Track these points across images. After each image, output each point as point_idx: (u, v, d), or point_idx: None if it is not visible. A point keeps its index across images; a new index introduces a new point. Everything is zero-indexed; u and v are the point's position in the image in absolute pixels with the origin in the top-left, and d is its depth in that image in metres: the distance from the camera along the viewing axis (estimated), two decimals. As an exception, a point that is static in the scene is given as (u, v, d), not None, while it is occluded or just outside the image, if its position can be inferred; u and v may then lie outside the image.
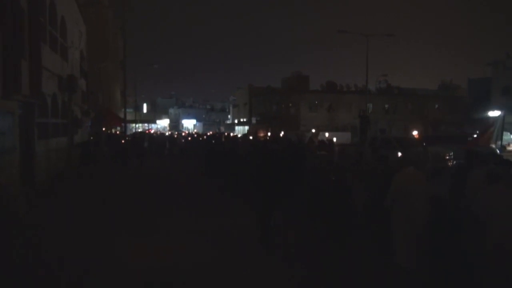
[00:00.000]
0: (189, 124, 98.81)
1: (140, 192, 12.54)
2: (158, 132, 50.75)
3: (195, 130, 56.35)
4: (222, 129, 76.64)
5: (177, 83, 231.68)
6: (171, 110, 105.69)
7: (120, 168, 18.88)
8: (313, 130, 34.17)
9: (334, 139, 18.71)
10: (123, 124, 30.44)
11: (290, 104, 53.05)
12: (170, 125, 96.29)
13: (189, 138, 34.24)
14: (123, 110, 33.88)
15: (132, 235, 7.62)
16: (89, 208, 10.02)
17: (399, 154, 12.53)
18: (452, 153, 17.60)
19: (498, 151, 21.72)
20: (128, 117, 37.61)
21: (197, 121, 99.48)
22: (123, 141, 24.11)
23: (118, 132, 37.07)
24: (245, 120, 66.27)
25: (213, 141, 21.12)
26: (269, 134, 36.68)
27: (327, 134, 30.21)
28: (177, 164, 21.70)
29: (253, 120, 61.11)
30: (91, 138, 23.48)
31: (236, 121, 72.24)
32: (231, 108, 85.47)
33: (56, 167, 15.93)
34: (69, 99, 18.24)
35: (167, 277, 5.68)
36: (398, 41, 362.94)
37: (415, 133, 24.82)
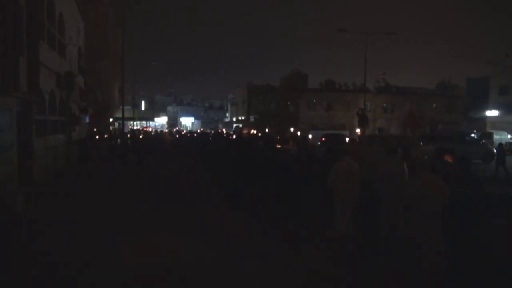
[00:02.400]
0: (187, 122, 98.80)
1: (137, 187, 12.59)
2: (153, 131, 50.33)
3: (184, 130, 56.46)
4: (221, 126, 76.68)
5: (176, 82, 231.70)
6: (170, 108, 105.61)
7: (118, 165, 18.87)
8: (292, 129, 37.14)
9: (310, 136, 21.43)
10: (120, 122, 30.44)
11: (289, 103, 53.05)
12: (168, 123, 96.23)
13: (177, 136, 34.52)
14: (121, 107, 33.84)
15: (129, 229, 7.65)
16: (87, 205, 10.03)
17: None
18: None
19: (494, 150, 21.89)
20: (126, 115, 37.62)
21: (195, 119, 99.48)
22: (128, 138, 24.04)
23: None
24: (243, 118, 66.29)
25: (204, 139, 21.86)
26: (253, 131, 41.36)
27: (325, 132, 31.75)
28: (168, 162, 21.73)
29: (252, 118, 61.12)
30: (91, 135, 23.42)
31: (234, 119, 72.24)
32: (229, 106, 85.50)
33: (54, 164, 15.94)
34: (67, 96, 18.23)
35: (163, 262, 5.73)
36: (397, 40, 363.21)
37: (358, 131, 27.08)
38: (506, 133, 32.48)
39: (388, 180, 6.84)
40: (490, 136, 30.22)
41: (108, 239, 7.23)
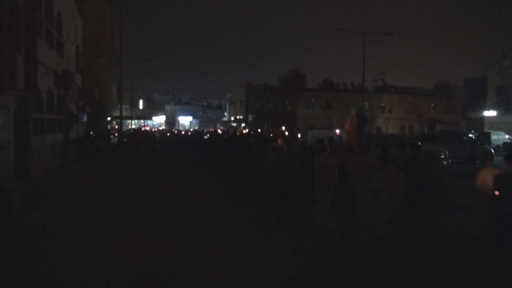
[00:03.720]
0: (185, 120, 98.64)
1: (133, 183, 12.59)
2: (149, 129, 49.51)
3: (174, 129, 56.57)
4: (219, 125, 76.65)
5: (174, 80, 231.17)
6: (168, 107, 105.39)
7: (116, 164, 18.83)
8: (283, 128, 39.13)
9: (299, 135, 22.77)
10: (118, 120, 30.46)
11: (287, 102, 53.04)
12: (166, 121, 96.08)
13: (168, 134, 34.42)
14: (119, 106, 33.77)
15: (126, 226, 7.65)
16: (85, 204, 10.00)
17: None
18: (447, 152, 17.67)
19: (492, 151, 21.91)
20: (124, 114, 37.51)
21: (193, 118, 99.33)
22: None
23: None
24: (241, 117, 66.26)
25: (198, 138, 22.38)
26: (246, 130, 44.10)
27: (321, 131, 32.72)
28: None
29: (250, 118, 61.09)
30: (91, 133, 23.31)
31: (232, 118, 72.21)
32: (227, 105, 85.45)
33: (51, 162, 15.88)
34: (64, 95, 18.17)
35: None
36: (396, 40, 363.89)
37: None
38: (503, 133, 32.53)
39: (360, 173, 7.90)
40: (488, 136, 30.27)
41: (102, 235, 7.21)
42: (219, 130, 39.30)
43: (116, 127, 45.97)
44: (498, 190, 5.64)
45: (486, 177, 6.16)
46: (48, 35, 15.20)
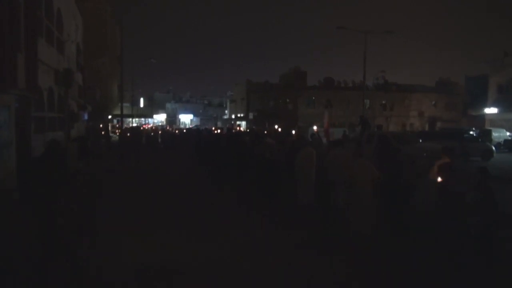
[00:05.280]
0: (186, 119, 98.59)
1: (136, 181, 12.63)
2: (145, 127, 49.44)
3: (168, 127, 56.78)
4: (219, 124, 76.58)
5: (174, 79, 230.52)
6: (168, 105, 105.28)
7: (117, 162, 18.86)
8: (276, 126, 41.39)
9: (293, 132, 25.40)
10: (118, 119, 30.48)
11: (288, 100, 52.96)
12: (167, 120, 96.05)
13: (159, 132, 34.56)
14: (119, 104, 33.80)
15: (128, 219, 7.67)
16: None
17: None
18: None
19: (493, 148, 21.91)
20: (125, 112, 37.56)
21: (194, 116, 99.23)
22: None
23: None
24: (242, 115, 66.20)
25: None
26: (242, 128, 47.03)
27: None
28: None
29: (250, 116, 61.03)
30: (102, 132, 23.24)
31: (233, 116, 72.15)
32: (228, 103, 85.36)
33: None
34: (65, 93, 18.18)
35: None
36: (397, 38, 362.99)
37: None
38: (504, 130, 32.48)
39: (335, 164, 8.96)
40: (489, 133, 30.22)
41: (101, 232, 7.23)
42: (215, 128, 40.34)
43: (117, 125, 46.12)
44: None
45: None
46: (48, 33, 15.21)
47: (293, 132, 25.81)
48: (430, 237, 7.06)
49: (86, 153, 18.38)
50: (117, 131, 28.03)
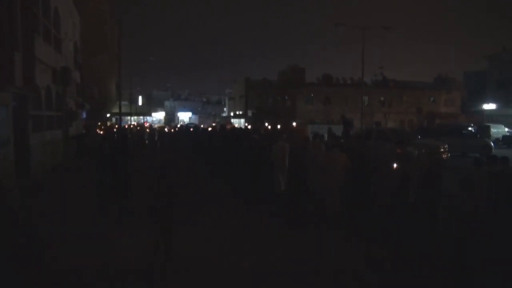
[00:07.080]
0: (184, 116, 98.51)
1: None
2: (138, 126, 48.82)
3: (158, 124, 56.70)
4: (218, 121, 76.55)
5: (173, 76, 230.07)
6: (167, 103, 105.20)
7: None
8: (266, 123, 42.78)
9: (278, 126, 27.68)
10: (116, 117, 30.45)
11: (286, 97, 52.92)
12: (165, 118, 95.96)
13: (148, 131, 34.56)
14: (118, 103, 33.73)
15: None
16: (84, 201, 10.00)
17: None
18: (446, 145, 17.69)
19: (492, 144, 21.93)
20: (123, 110, 37.46)
21: (192, 113, 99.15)
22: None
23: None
24: (241, 113, 66.17)
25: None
26: (235, 125, 48.63)
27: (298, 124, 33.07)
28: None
29: (249, 113, 61.02)
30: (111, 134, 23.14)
31: (232, 114, 72.11)
32: (227, 100, 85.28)
33: (51, 160, 15.89)
34: (63, 92, 18.13)
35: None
36: (395, 34, 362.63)
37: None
38: (503, 126, 32.54)
39: (313, 154, 10.39)
40: (487, 129, 30.26)
41: (100, 230, 7.23)
42: (212, 126, 40.75)
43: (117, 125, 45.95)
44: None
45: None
46: (45, 32, 15.15)
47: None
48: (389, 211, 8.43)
49: (83, 151, 18.36)
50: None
